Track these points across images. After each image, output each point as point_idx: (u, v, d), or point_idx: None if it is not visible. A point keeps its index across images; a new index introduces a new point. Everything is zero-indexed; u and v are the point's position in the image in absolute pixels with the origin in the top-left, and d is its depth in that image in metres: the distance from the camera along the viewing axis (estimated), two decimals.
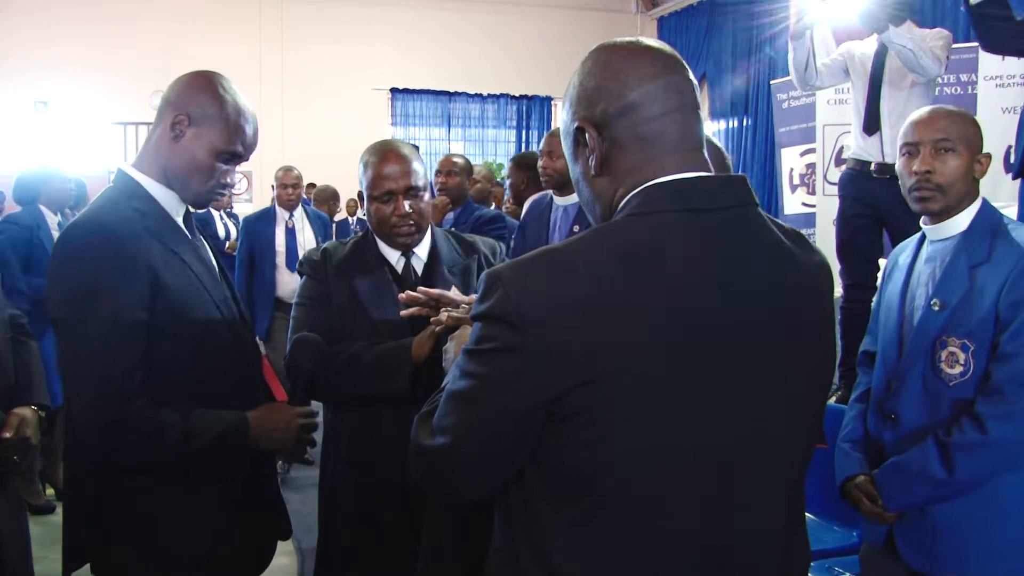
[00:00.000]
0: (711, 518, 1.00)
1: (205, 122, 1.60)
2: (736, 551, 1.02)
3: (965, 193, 1.78)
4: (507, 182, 4.21)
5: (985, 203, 1.79)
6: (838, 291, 4.43)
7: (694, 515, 0.99)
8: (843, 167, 3.91)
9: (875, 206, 3.55)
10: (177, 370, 1.55)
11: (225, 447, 1.58)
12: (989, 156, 1.81)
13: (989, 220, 1.75)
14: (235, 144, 1.64)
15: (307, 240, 4.97)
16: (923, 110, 1.86)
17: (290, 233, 4.96)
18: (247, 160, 1.72)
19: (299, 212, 5.03)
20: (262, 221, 5.02)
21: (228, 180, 1.67)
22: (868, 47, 3.73)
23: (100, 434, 1.48)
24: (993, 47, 2.91)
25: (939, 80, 3.65)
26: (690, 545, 1.00)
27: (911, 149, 1.83)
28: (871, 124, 3.65)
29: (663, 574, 1.00)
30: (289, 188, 4.94)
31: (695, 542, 1.00)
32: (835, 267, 3.59)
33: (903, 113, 3.43)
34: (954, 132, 1.78)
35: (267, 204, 6.55)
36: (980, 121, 1.84)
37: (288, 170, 4.97)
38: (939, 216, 1.80)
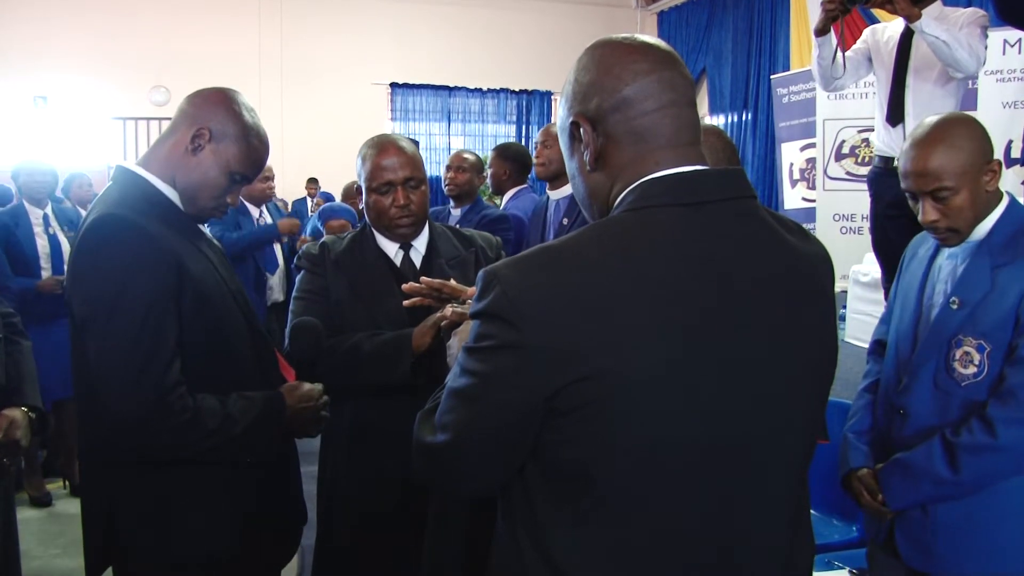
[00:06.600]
0: (713, 514, 1.00)
1: (224, 140, 1.61)
2: (738, 547, 1.02)
3: (983, 210, 1.69)
4: (488, 172, 4.12)
5: (1011, 203, 1.72)
6: (842, 284, 4.40)
7: (696, 511, 0.99)
8: (844, 162, 3.88)
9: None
10: (201, 357, 1.55)
11: (263, 428, 1.59)
12: (999, 162, 1.69)
13: (1015, 220, 1.69)
14: (249, 166, 1.65)
15: None
16: (911, 152, 1.69)
17: None
18: (251, 183, 1.74)
19: (263, 210, 4.60)
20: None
21: (231, 200, 1.68)
22: (894, 30, 3.51)
23: (142, 426, 1.46)
24: (1009, 14, 2.76)
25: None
26: (692, 541, 1.00)
27: (910, 193, 1.73)
28: (894, 114, 3.43)
29: (665, 570, 1.00)
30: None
31: (697, 538, 1.00)
32: (838, 265, 3.55)
33: (929, 105, 3.23)
34: (949, 171, 1.65)
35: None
36: (980, 116, 1.75)
37: None
38: None
